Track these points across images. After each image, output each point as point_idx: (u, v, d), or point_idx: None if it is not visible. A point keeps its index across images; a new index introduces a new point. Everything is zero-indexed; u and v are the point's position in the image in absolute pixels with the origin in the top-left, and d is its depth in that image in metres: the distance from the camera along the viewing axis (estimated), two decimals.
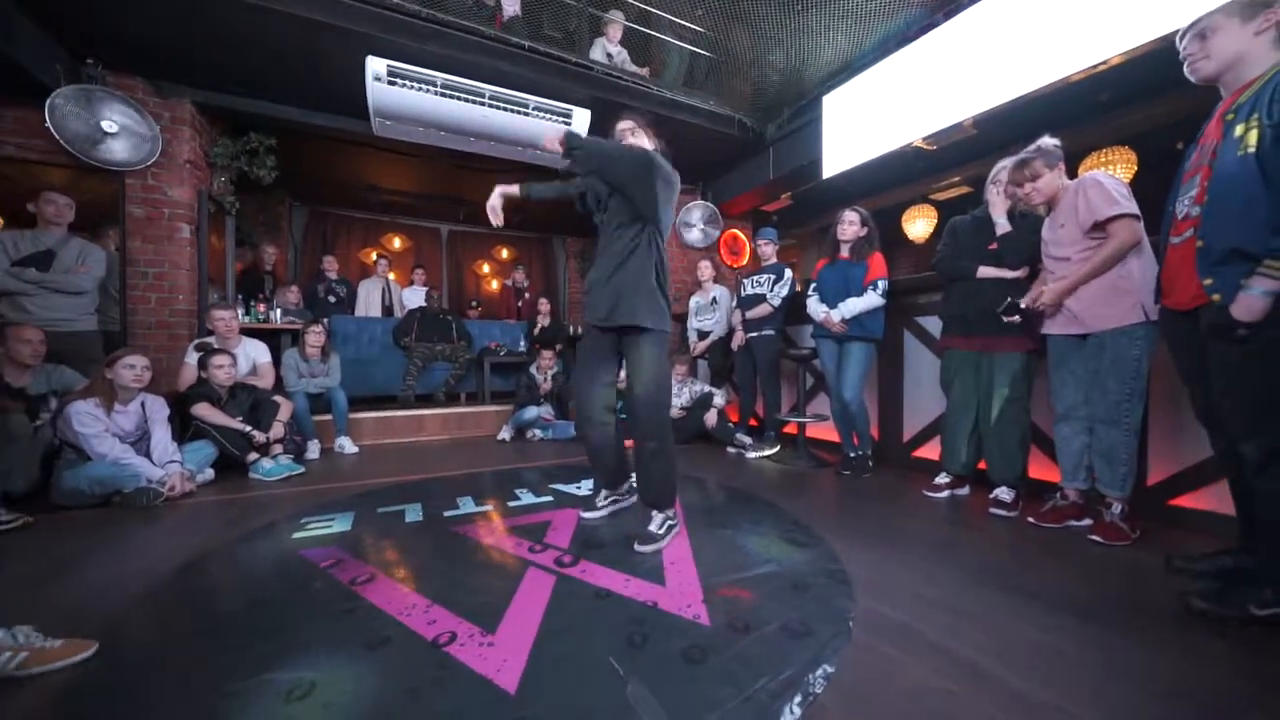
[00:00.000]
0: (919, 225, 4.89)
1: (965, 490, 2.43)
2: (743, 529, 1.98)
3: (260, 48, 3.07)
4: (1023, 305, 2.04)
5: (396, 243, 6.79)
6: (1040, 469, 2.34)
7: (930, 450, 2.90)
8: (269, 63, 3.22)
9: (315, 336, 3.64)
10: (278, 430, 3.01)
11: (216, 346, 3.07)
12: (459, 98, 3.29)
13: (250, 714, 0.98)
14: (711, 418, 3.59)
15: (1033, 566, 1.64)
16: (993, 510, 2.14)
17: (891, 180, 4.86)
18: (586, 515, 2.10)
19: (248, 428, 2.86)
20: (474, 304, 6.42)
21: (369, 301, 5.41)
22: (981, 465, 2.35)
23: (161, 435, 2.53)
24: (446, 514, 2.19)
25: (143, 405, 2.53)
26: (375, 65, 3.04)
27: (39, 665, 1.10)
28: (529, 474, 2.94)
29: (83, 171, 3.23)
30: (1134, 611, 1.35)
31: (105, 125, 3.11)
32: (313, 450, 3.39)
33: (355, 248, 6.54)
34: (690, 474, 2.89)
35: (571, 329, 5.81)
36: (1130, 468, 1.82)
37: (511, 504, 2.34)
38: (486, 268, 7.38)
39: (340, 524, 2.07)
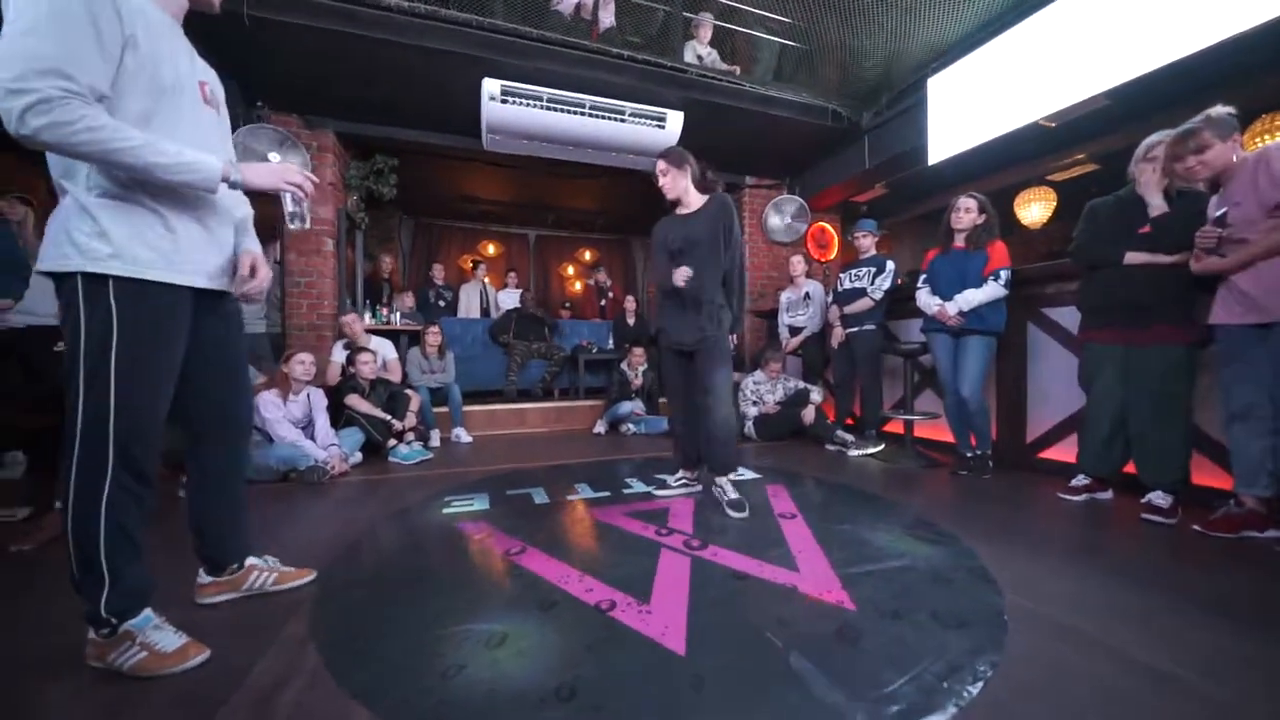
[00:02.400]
0: (1034, 210, 4.48)
1: (1108, 494, 2.24)
2: (863, 523, 1.97)
3: (390, 78, 3.44)
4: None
5: (491, 249, 7.29)
6: (1203, 475, 2.11)
7: (1058, 452, 2.70)
8: (397, 91, 3.60)
9: (434, 336, 4.03)
10: (411, 419, 3.38)
11: (361, 344, 3.49)
12: (562, 110, 3.50)
13: (462, 653, 1.15)
14: (809, 414, 3.54)
15: (1206, 574, 1.51)
16: (1145, 516, 1.97)
17: (999, 162, 4.50)
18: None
19: (389, 416, 3.24)
20: (566, 305, 6.74)
21: (469, 304, 5.87)
22: (1129, 468, 2.16)
23: (323, 422, 2.93)
24: (569, 497, 2.37)
25: (308, 396, 2.94)
26: (491, 86, 3.31)
27: (282, 584, 1.46)
28: (632, 465, 3.08)
29: (254, 197, 3.79)
30: None
31: (271, 156, 3.64)
32: (434, 439, 3.76)
33: (455, 255, 7.11)
34: (792, 469, 2.89)
35: (653, 328, 5.95)
36: None
37: (625, 491, 2.47)
38: (571, 269, 7.71)
39: (479, 503, 2.30)
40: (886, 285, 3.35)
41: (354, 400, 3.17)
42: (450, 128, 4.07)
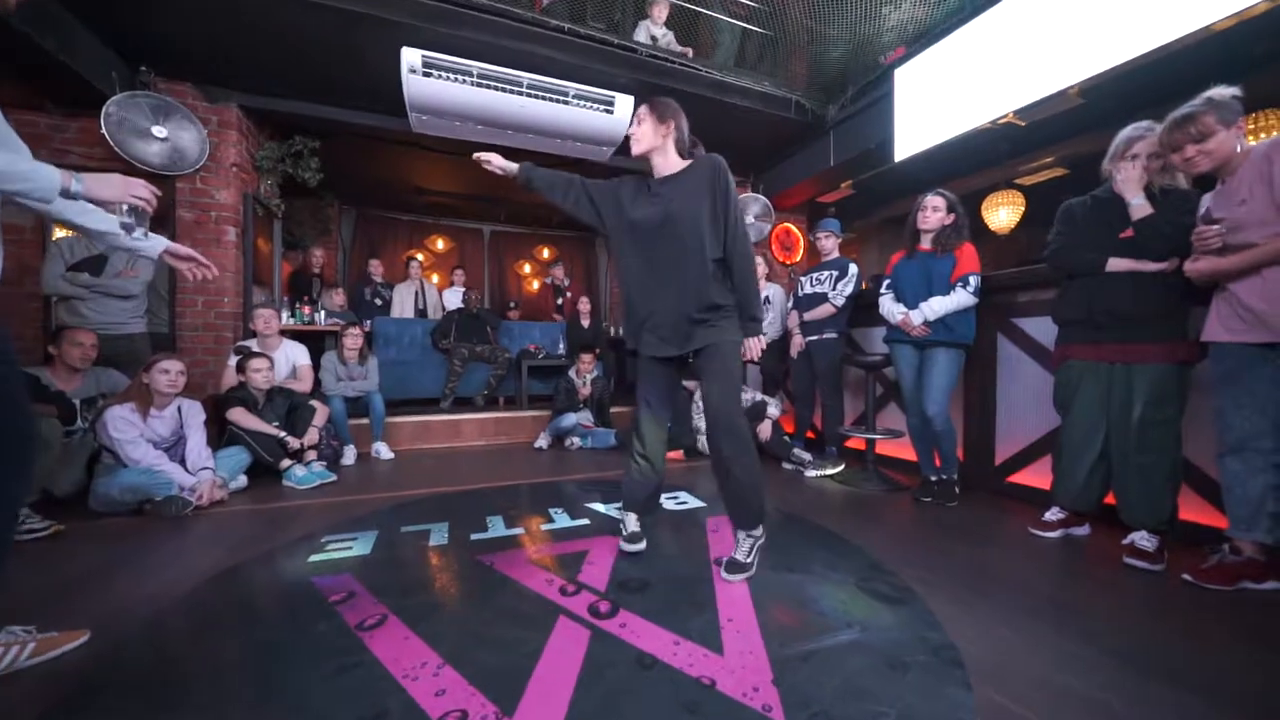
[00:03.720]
0: (1002, 214, 4.32)
1: (1084, 530, 2.00)
2: (813, 573, 1.66)
3: (297, 45, 3.01)
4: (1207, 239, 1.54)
5: (440, 244, 6.81)
6: (1190, 509, 1.88)
7: (1030, 476, 2.46)
8: (307, 61, 3.16)
9: (353, 339, 3.58)
10: (312, 436, 2.95)
11: (255, 350, 3.03)
12: (496, 87, 3.12)
13: None
14: (765, 429, 3.25)
15: (1205, 649, 1.24)
16: (1128, 560, 1.71)
17: (969, 164, 4.32)
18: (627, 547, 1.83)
19: (282, 433, 2.80)
20: (512, 304, 6.31)
21: (403, 306, 5.37)
22: (1110, 500, 1.92)
23: (197, 441, 2.48)
24: (474, 537, 1.99)
25: (179, 410, 2.48)
26: (410, 57, 2.91)
27: (40, 655, 1.16)
28: (566, 489, 2.72)
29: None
30: None
31: (156, 131, 3.14)
32: (349, 456, 3.32)
33: (402, 250, 6.60)
34: None
35: (612, 330, 5.59)
36: None
37: (545, 527, 2.11)
38: (528, 268, 7.29)
39: (361, 545, 1.90)
40: (849, 290, 3.08)
41: (237, 414, 2.71)
42: (373, 106, 3.64)
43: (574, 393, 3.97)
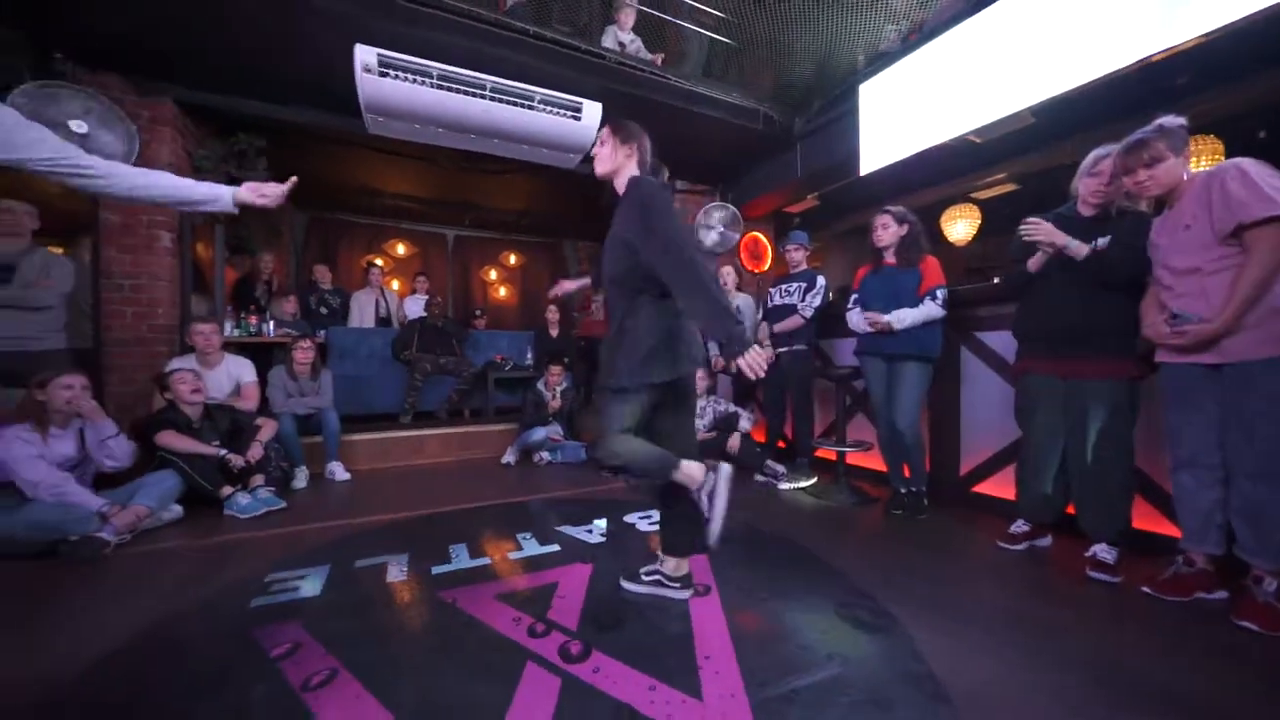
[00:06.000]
0: (960, 227, 4.48)
1: (1047, 541, 2.05)
2: (790, 599, 1.63)
3: (245, 37, 2.80)
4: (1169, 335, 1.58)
5: (401, 249, 6.53)
6: (1143, 519, 1.95)
7: (994, 486, 2.52)
8: (256, 54, 2.95)
9: (304, 353, 3.35)
10: (256, 451, 2.71)
11: (187, 368, 2.76)
12: (458, 90, 2.98)
13: None
14: (735, 442, 3.22)
15: (1173, 664, 1.27)
16: (1091, 573, 1.76)
17: (927, 177, 4.46)
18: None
19: (222, 451, 2.57)
20: (478, 312, 6.11)
21: (362, 315, 5.10)
22: (1069, 510, 1.97)
23: (117, 442, 2.26)
24: (435, 570, 1.87)
25: (81, 431, 2.24)
26: (364, 55, 2.75)
27: None
28: (535, 510, 2.61)
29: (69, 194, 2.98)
30: None
31: (73, 125, 2.85)
32: (300, 478, 3.09)
33: (359, 254, 6.29)
34: None
35: (581, 341, 5.49)
36: None
37: (512, 555, 2.01)
38: (494, 274, 7.09)
39: (310, 585, 1.75)
40: (817, 302, 3.11)
41: (166, 439, 2.46)
42: (324, 104, 3.43)
43: (543, 405, 3.86)
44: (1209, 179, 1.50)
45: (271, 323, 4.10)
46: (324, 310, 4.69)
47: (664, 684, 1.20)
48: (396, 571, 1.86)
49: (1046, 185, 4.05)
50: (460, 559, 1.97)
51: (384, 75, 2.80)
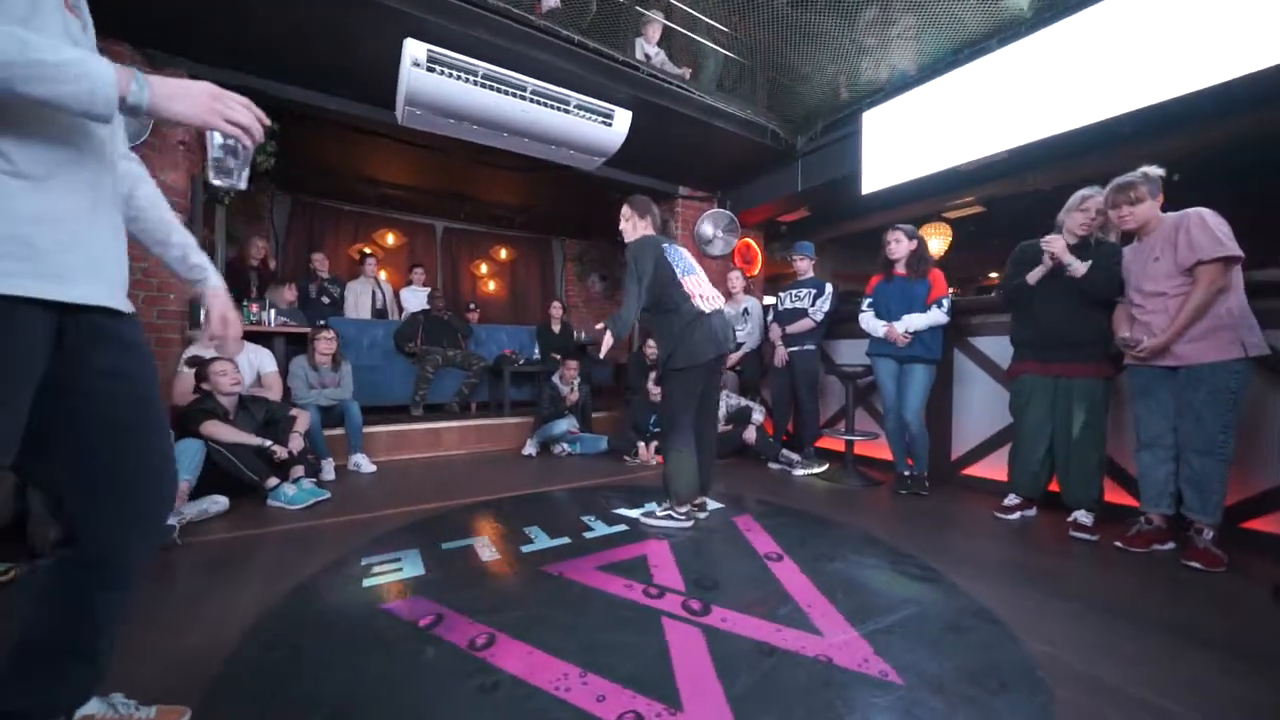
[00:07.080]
0: (934, 244, 5.02)
1: (1033, 512, 2.47)
2: (850, 561, 1.91)
3: (280, 18, 2.74)
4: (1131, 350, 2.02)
5: (390, 239, 6.34)
6: (1111, 493, 2.40)
7: (980, 469, 2.95)
8: (288, 39, 2.88)
9: (326, 343, 3.31)
10: (297, 443, 2.69)
11: (209, 356, 2.69)
12: (500, 90, 3.06)
13: None
14: (751, 433, 3.52)
15: (1143, 594, 1.67)
16: (1073, 534, 2.17)
17: (906, 196, 4.94)
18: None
19: (268, 443, 2.54)
20: (471, 306, 6.07)
21: (358, 305, 4.99)
22: (1053, 487, 2.39)
23: None
24: (524, 549, 2.01)
25: None
26: (414, 49, 2.78)
27: None
28: (579, 496, 2.77)
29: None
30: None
31: None
32: (327, 470, 3.07)
33: (344, 242, 6.06)
34: (747, 494, 2.81)
35: (577, 334, 5.61)
36: (1222, 496, 1.88)
37: (588, 535, 2.17)
38: (485, 268, 7.03)
39: (410, 566, 1.84)
40: (827, 307, 3.45)
41: (211, 428, 2.41)
42: (354, 92, 3.39)
43: (560, 399, 3.98)
44: (1177, 223, 1.91)
45: (272, 311, 3.95)
46: (325, 300, 4.56)
47: (785, 626, 1.44)
48: (486, 551, 1.99)
49: (1013, 209, 4.63)
50: (541, 540, 2.11)
51: (431, 70, 2.84)
